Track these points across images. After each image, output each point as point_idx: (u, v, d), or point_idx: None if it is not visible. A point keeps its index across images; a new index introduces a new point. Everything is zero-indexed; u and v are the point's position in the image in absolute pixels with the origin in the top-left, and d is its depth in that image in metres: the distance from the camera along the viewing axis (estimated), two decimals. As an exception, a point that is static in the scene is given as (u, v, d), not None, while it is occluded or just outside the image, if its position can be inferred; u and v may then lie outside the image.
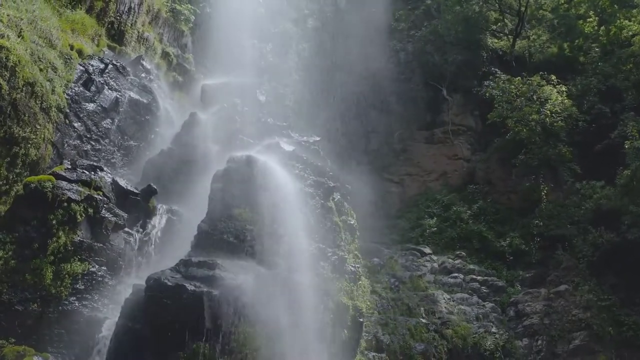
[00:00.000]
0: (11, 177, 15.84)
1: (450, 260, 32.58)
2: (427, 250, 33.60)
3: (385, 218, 37.84)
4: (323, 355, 15.81)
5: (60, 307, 14.47)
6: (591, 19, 38.29)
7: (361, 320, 17.83)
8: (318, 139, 21.28)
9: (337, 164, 37.07)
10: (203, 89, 23.69)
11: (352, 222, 20.50)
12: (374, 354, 23.08)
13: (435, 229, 35.15)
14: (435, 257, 33.20)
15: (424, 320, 26.14)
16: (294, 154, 18.53)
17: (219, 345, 13.27)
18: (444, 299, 28.26)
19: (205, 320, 13.29)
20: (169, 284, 13.62)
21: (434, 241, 34.71)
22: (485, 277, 31.13)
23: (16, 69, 15.85)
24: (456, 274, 31.11)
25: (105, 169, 17.17)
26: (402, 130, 41.00)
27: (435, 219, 35.73)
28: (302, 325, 14.99)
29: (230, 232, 15.27)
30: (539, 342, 27.21)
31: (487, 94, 35.92)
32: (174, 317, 13.34)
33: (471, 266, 32.20)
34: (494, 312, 28.81)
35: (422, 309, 27.15)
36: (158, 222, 17.78)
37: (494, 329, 27.37)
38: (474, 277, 31.07)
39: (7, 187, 15.77)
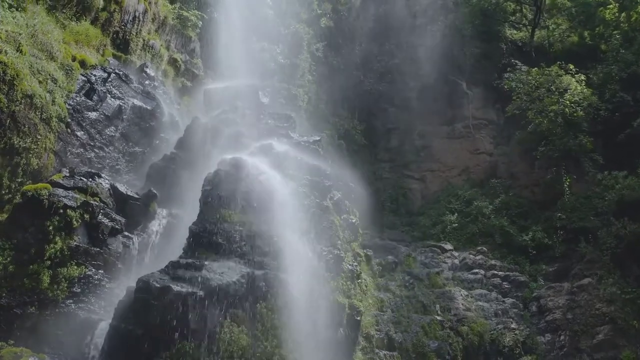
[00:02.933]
0: (13, 186, 16.51)
1: (471, 256, 32.27)
2: (448, 246, 33.35)
3: (407, 215, 37.73)
4: (318, 354, 15.87)
5: (57, 310, 14.95)
6: (611, 6, 37.20)
7: (358, 318, 17.84)
8: (318, 138, 21.32)
9: (355, 162, 37.25)
10: (205, 93, 24.10)
11: (353, 221, 20.50)
12: (385, 352, 23.01)
13: (456, 224, 34.91)
14: (456, 254, 32.96)
15: (439, 318, 25.93)
16: (287, 155, 18.68)
17: (204, 344, 13.54)
18: (462, 295, 27.98)
19: (190, 320, 13.59)
20: (157, 285, 13.97)
21: (455, 237, 34.47)
22: (507, 273, 30.76)
23: (14, 82, 16.50)
24: (477, 270, 30.78)
25: (103, 175, 17.65)
26: (423, 127, 40.77)
27: (457, 214, 35.48)
28: (293, 324, 15.09)
29: (220, 234, 15.54)
30: (562, 337, 26.78)
31: (506, 86, 35.43)
32: (161, 317, 13.66)
33: (493, 261, 31.84)
34: (514, 307, 28.42)
35: (437, 306, 26.95)
36: (158, 225, 18.21)
37: (513, 325, 27.03)
38: (496, 272, 30.74)
39: (10, 195, 16.43)
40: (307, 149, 20.19)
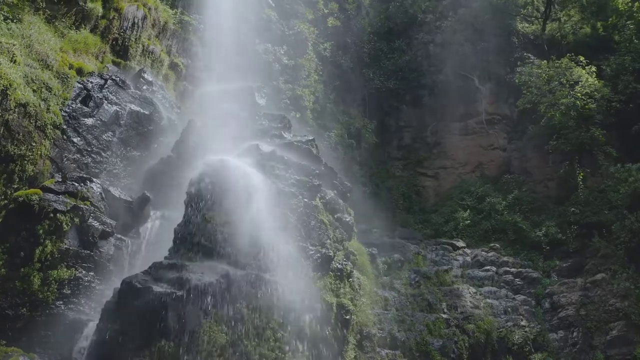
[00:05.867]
0: (9, 192, 16.98)
1: (483, 253, 32.05)
2: (461, 243, 33.17)
3: (420, 213, 37.61)
4: (304, 353, 15.99)
5: (47, 311, 15.41)
6: (624, -5, 36.46)
7: (347, 317, 17.90)
8: (311, 138, 21.41)
9: (367, 161, 37.30)
10: (202, 96, 24.44)
11: (347, 219, 20.52)
12: (387, 351, 23.03)
13: (469, 221, 34.69)
14: (468, 251, 32.75)
15: (444, 316, 25.82)
16: (273, 155, 18.81)
17: (184, 343, 13.78)
18: (470, 293, 27.79)
19: (169, 319, 13.85)
20: (139, 286, 14.30)
21: (468, 234, 34.28)
22: (520, 269, 30.48)
23: (7, 92, 17.03)
24: (488, 267, 30.54)
25: (94, 179, 18.08)
26: (435, 123, 40.61)
27: (469, 211, 35.22)
28: (276, 323, 15.24)
29: (203, 235, 15.79)
30: (575, 334, 26.54)
31: (517, 81, 35.06)
32: (142, 317, 13.96)
33: (505, 258, 31.57)
34: (525, 304, 28.14)
35: (444, 304, 26.82)
36: (150, 227, 18.59)
37: (523, 322, 26.80)
38: (508, 269, 30.49)
39: (6, 201, 16.92)
40: (299, 148, 20.33)
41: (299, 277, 16.45)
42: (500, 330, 25.77)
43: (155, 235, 18.38)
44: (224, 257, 15.56)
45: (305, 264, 17.04)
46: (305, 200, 18.45)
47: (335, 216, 20.18)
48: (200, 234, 15.83)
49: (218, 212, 16.17)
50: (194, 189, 16.56)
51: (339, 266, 18.45)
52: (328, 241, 18.25)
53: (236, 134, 20.99)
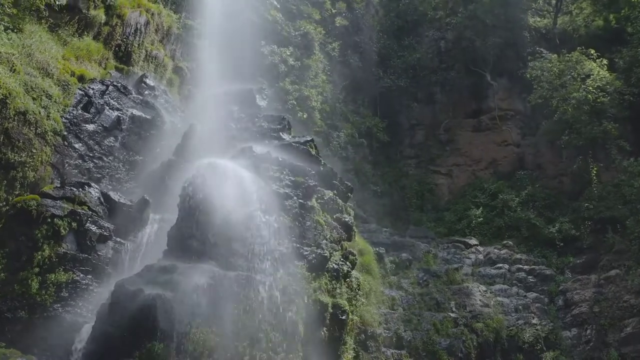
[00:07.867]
0: (10, 198, 17.43)
1: (496, 250, 31.79)
2: (473, 241, 32.92)
3: (433, 211, 37.43)
4: (298, 354, 16.05)
5: (45, 314, 15.71)
6: (636, -13, 35.62)
7: (343, 317, 17.89)
8: (309, 138, 21.44)
9: (379, 160, 37.22)
10: (204, 99, 24.67)
11: (347, 219, 20.49)
12: (392, 350, 22.98)
13: (481, 219, 34.43)
14: (481, 249, 32.49)
15: (452, 315, 25.66)
16: (267, 156, 18.89)
17: (173, 345, 13.95)
18: (480, 291, 27.60)
19: (159, 321, 14.04)
20: (131, 288, 14.53)
21: (481, 232, 34.06)
22: (533, 266, 30.19)
23: (7, 100, 17.45)
24: (501, 265, 30.29)
25: (93, 184, 18.37)
26: (448, 120, 40.43)
27: (482, 208, 34.93)
28: (267, 324, 15.34)
29: (195, 237, 15.99)
30: (588, 331, 26.26)
31: (528, 75, 34.65)
32: (133, 319, 14.14)
33: (518, 255, 31.29)
34: (537, 302, 27.86)
35: (452, 303, 26.64)
36: (149, 230, 18.83)
37: (534, 320, 26.54)
38: (521, 266, 30.22)
39: (7, 207, 17.34)
40: (297, 149, 20.39)
41: (292, 277, 16.50)
42: (511, 328, 25.54)
43: (155, 239, 18.58)
44: (215, 258, 15.72)
45: (299, 264, 17.09)
46: (301, 200, 18.50)
47: (334, 216, 20.19)
48: (192, 237, 16.02)
49: (210, 215, 16.32)
50: (185, 192, 16.76)
51: (335, 266, 18.45)
52: (324, 241, 18.26)
53: (235, 136, 21.13)
